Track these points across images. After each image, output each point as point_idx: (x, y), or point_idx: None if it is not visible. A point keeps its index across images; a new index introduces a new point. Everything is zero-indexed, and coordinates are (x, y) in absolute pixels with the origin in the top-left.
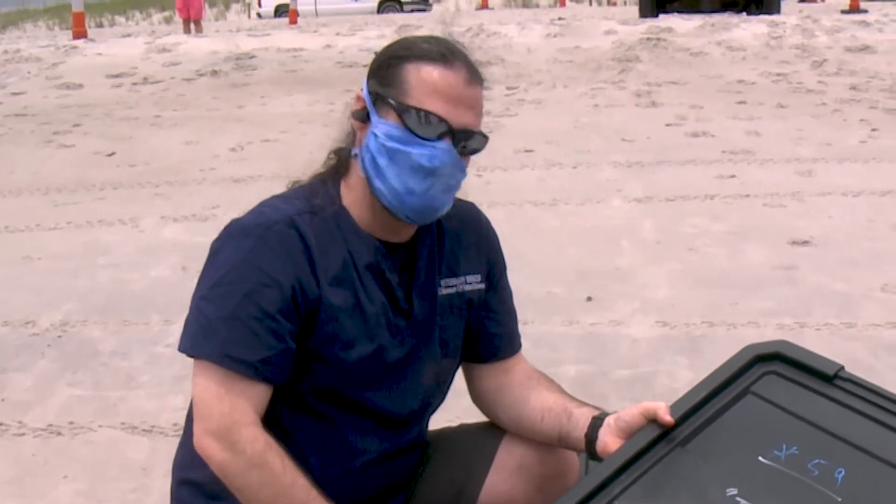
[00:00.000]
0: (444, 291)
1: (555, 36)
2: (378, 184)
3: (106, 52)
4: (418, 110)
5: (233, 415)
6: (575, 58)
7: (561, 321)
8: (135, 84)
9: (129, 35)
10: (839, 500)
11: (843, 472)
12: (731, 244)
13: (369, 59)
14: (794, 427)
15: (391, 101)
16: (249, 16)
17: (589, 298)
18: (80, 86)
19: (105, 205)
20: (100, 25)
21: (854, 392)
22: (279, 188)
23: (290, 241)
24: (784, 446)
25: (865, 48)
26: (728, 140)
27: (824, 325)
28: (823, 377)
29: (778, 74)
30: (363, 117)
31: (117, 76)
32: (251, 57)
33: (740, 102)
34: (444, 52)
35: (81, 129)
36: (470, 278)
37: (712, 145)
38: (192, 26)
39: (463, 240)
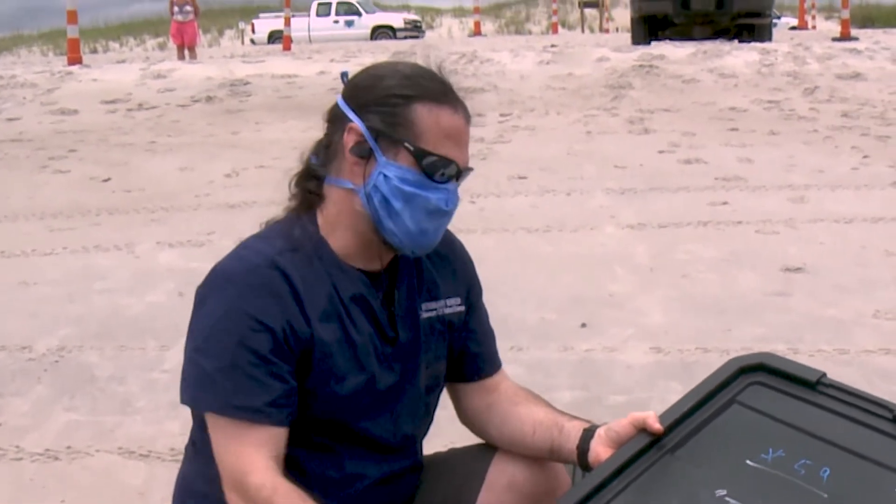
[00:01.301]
0: (425, 315)
1: (548, 63)
2: (389, 224)
3: (101, 78)
4: (437, 156)
5: (240, 465)
6: (568, 85)
7: (555, 347)
8: (130, 110)
9: (123, 61)
10: (825, 496)
11: (828, 471)
12: (723, 270)
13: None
14: (779, 432)
15: (408, 146)
16: (243, 42)
17: (583, 325)
18: (76, 111)
19: (101, 230)
20: (94, 51)
21: (837, 397)
22: (273, 214)
23: (275, 283)
24: (770, 450)
25: (856, 75)
26: (720, 167)
27: (817, 352)
28: (807, 384)
29: (770, 101)
30: (363, 153)
31: (112, 102)
32: (245, 83)
33: (732, 129)
34: (446, 90)
35: (77, 154)
36: (450, 301)
37: (705, 172)
38: (187, 52)
39: (441, 264)
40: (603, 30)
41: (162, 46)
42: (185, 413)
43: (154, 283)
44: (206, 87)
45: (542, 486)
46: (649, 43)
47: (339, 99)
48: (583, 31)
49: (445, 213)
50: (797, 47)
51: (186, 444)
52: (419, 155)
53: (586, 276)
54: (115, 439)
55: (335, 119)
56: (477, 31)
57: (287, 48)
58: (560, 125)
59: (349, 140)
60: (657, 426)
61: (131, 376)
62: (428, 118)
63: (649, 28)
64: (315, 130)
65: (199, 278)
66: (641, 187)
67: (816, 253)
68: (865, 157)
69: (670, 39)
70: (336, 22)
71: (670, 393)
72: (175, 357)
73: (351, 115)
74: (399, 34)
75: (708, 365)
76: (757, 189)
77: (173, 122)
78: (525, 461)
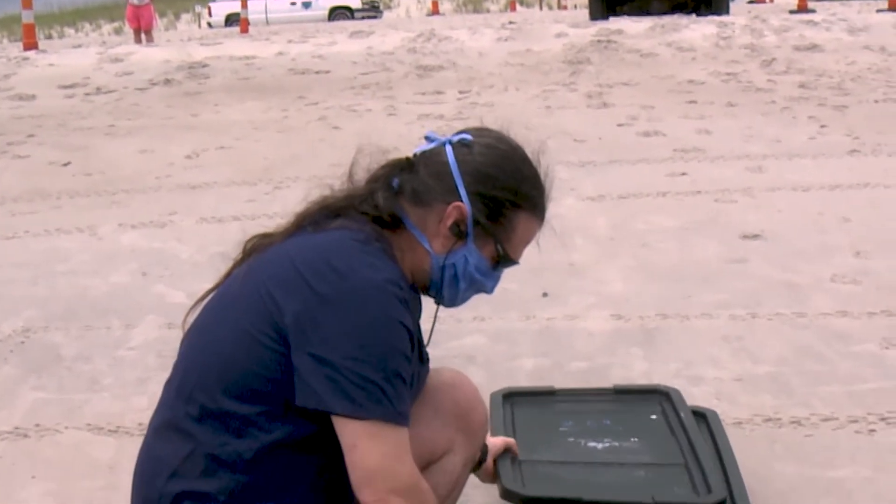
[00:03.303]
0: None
1: (506, 40)
2: (445, 293)
3: (58, 63)
4: (511, 261)
5: (415, 471)
6: (526, 61)
7: (517, 316)
8: (88, 94)
9: (80, 46)
10: (609, 423)
11: (608, 421)
12: (683, 239)
13: (322, 65)
14: (559, 416)
15: (498, 247)
16: (200, 25)
17: (545, 294)
18: (33, 97)
19: (62, 214)
20: (49, 37)
21: (569, 394)
22: (235, 193)
23: (407, 298)
24: (565, 422)
25: (813, 47)
26: (679, 139)
27: (775, 316)
28: (549, 393)
29: (728, 74)
30: (459, 234)
31: (70, 87)
32: (204, 65)
33: (691, 102)
34: (544, 199)
35: (35, 139)
36: None
37: (663, 144)
38: (143, 36)
39: None
40: (561, 6)
41: (118, 31)
42: (153, 389)
43: (117, 264)
44: (164, 70)
45: (463, 406)
46: (607, 18)
47: (451, 161)
48: (541, 8)
49: (487, 294)
50: (754, 20)
51: (181, 420)
52: (502, 257)
53: (547, 247)
54: (83, 416)
55: (440, 175)
56: (435, 11)
57: (244, 30)
58: (519, 101)
59: (451, 215)
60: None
61: (97, 355)
62: (524, 228)
63: (607, 3)
64: (275, 111)
65: (162, 258)
66: (601, 160)
67: (774, 220)
68: (823, 126)
69: (628, 14)
70: (293, 4)
71: (631, 358)
72: (140, 335)
73: (463, 194)
74: (357, 15)
75: (668, 331)
76: (715, 160)
77: (132, 106)
78: (444, 389)
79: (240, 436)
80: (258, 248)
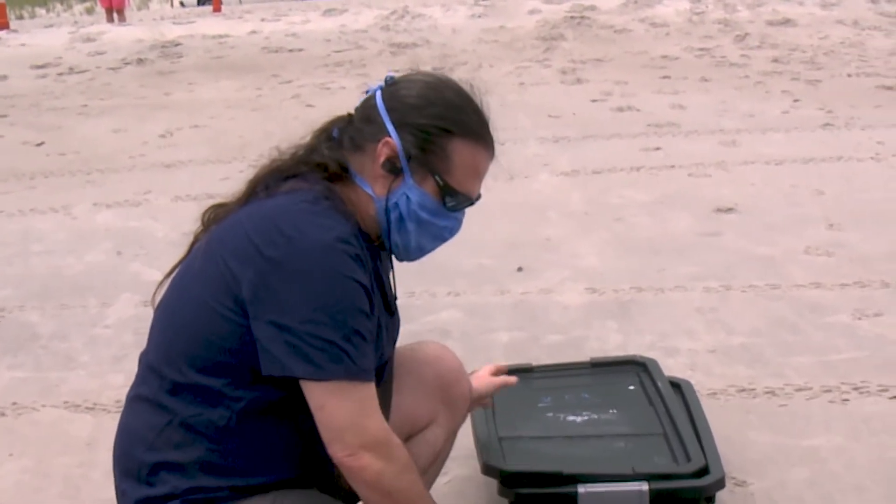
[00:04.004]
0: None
1: (479, 17)
2: (395, 237)
3: (29, 43)
4: (460, 194)
5: (384, 425)
6: (500, 38)
7: (492, 291)
8: (60, 74)
9: (52, 26)
10: (587, 396)
11: (586, 395)
12: (657, 213)
13: (295, 43)
14: (537, 392)
15: (436, 178)
16: (172, 5)
17: (519, 269)
18: (5, 77)
19: (36, 193)
20: (20, 17)
21: (546, 370)
22: (210, 172)
23: (360, 253)
24: (543, 398)
25: (787, 21)
26: (653, 114)
27: (749, 287)
28: (527, 370)
29: (701, 49)
30: (394, 170)
31: (42, 67)
32: (176, 45)
33: (664, 77)
34: (484, 126)
35: (8, 119)
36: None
37: (637, 119)
38: (115, 16)
39: None
40: None
41: (90, 11)
42: (129, 366)
43: (92, 243)
44: (136, 49)
45: (446, 379)
46: None
47: (378, 101)
48: None
49: (446, 240)
50: None
51: (159, 396)
52: (445, 190)
53: (522, 223)
54: (60, 394)
55: (370, 117)
56: None
57: (217, 9)
58: (493, 77)
59: (382, 153)
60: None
61: (74, 333)
62: (462, 155)
63: None
64: (248, 89)
65: (138, 237)
66: (575, 136)
67: (748, 194)
68: (796, 100)
69: None
70: None
71: (606, 331)
72: (116, 313)
73: (390, 129)
74: None
75: (642, 304)
76: (689, 134)
77: (105, 85)
78: (427, 362)
79: (213, 405)
80: (216, 219)
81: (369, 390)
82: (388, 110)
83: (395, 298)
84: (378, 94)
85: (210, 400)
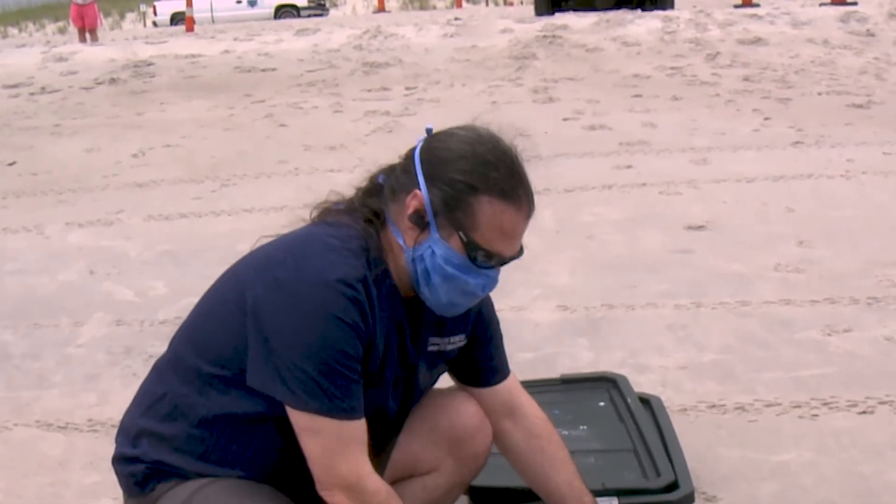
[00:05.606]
0: (430, 348)
1: (452, 36)
2: (425, 291)
3: (1, 63)
4: (486, 251)
5: (357, 469)
6: (472, 57)
7: None
8: (32, 94)
9: (24, 45)
10: (558, 412)
11: (557, 411)
12: (628, 231)
13: (268, 63)
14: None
15: (461, 235)
16: (145, 24)
17: None
18: None
19: (8, 213)
20: None
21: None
22: (182, 191)
23: (364, 299)
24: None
25: (758, 40)
26: (624, 132)
27: (720, 304)
28: None
29: (672, 68)
30: (420, 223)
31: (14, 86)
32: (149, 64)
33: (636, 96)
34: (516, 184)
35: None
36: (454, 339)
37: (609, 138)
38: (88, 35)
39: None
40: (507, 3)
41: (62, 31)
42: (102, 385)
43: (65, 262)
44: (109, 69)
45: (461, 432)
46: (553, 13)
47: (416, 152)
48: (487, 4)
49: (479, 296)
50: (699, 14)
51: (159, 367)
52: (469, 246)
53: None
54: (32, 413)
55: (407, 168)
56: (381, 8)
57: (190, 29)
58: (465, 96)
59: (410, 205)
60: None
61: (46, 352)
62: (488, 213)
63: None
64: (221, 109)
65: (110, 256)
66: (547, 154)
67: (719, 211)
68: (767, 118)
69: (573, 10)
70: (239, 2)
71: (577, 348)
72: (89, 332)
73: (421, 182)
74: (303, 13)
75: (614, 321)
76: (661, 152)
77: (77, 105)
78: (445, 407)
79: (200, 392)
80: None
81: (345, 429)
82: (423, 162)
83: (428, 355)
84: (419, 144)
85: (199, 387)
